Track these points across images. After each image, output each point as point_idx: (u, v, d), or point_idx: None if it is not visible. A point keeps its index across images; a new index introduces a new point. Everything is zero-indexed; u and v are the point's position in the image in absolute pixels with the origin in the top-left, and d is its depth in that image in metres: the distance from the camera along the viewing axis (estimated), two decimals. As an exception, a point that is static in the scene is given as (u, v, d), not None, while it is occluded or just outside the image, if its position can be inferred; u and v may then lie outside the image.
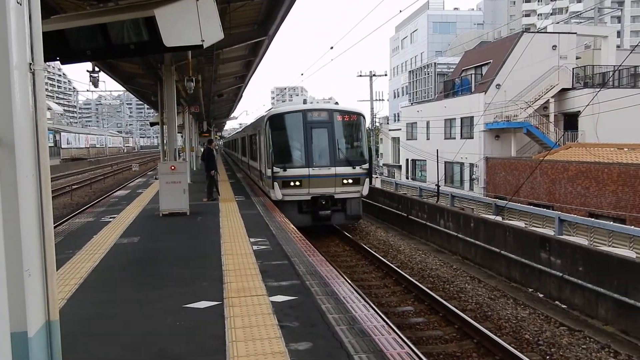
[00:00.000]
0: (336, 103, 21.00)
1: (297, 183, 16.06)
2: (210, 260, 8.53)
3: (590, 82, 35.08)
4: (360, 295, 6.72)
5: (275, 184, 15.88)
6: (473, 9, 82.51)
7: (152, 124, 30.09)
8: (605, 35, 38.36)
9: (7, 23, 2.16)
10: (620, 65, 31.65)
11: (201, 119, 37.44)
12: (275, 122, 16.62)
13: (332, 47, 24.32)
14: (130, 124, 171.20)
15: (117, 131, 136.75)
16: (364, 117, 17.44)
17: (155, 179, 23.48)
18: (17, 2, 2.23)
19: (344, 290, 6.82)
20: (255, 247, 9.45)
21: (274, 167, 15.87)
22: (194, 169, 31.61)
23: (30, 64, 2.35)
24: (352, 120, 16.87)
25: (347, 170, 16.27)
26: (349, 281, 7.92)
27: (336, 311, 5.98)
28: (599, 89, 21.73)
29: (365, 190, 16.73)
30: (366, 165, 16.65)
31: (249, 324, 5.60)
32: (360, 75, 41.62)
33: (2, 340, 2.12)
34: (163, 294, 6.83)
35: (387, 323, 5.75)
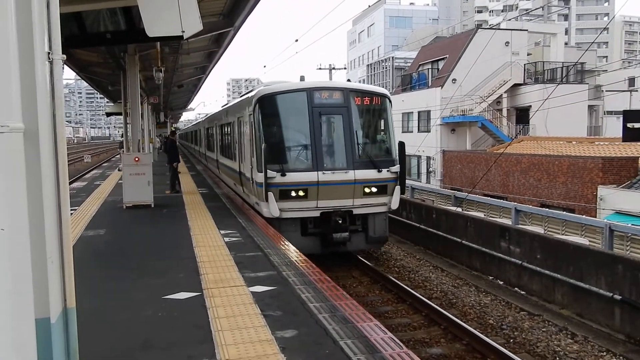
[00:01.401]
0: (348, 80, 16.45)
1: (301, 193, 11.34)
2: (183, 252, 8.49)
3: (541, 78, 36.44)
4: (335, 286, 6.85)
5: (270, 194, 11.11)
6: (428, 4, 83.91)
7: (108, 114, 29.34)
8: (554, 32, 39.84)
9: (32, 12, 2.16)
10: (576, 62, 32.98)
11: (158, 110, 36.73)
12: (269, 105, 11.85)
13: (297, 40, 24.31)
14: (80, 114, 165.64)
15: (67, 121, 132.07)
16: (390, 100, 12.57)
17: (119, 170, 22.94)
18: (39, -9, 2.22)
19: (324, 281, 6.95)
20: (226, 239, 9.45)
21: (268, 171, 11.05)
22: (152, 160, 31.05)
23: (49, 52, 2.36)
24: (376, 105, 12.28)
25: (371, 174, 11.69)
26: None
27: (316, 300, 6.11)
28: (555, 86, 22.64)
29: (395, 203, 12.10)
30: (396, 168, 12.00)
31: (232, 313, 5.66)
32: (320, 68, 41.70)
33: (27, 326, 2.14)
34: (139, 285, 6.79)
35: (366, 312, 5.91)
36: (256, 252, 8.55)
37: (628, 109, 40.93)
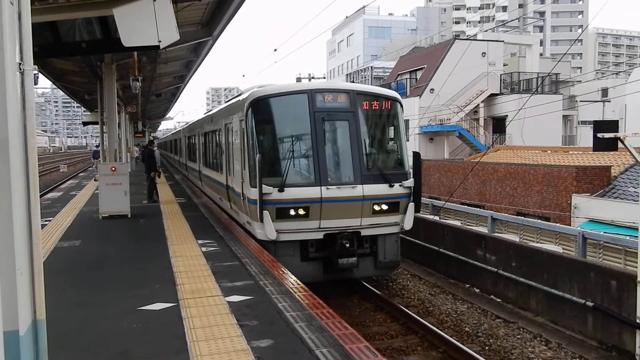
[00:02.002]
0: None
1: (302, 212, 9.92)
2: (160, 263, 8.43)
3: (516, 88, 37.12)
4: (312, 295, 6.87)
5: (265, 213, 9.70)
6: (407, 15, 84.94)
7: (85, 124, 29.01)
8: (529, 43, 40.66)
9: (2, 22, 2.17)
10: (549, 73, 33.62)
11: (136, 119, 36.43)
12: (264, 109, 10.48)
13: (275, 50, 24.42)
14: (56, 123, 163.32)
15: (42, 130, 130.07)
16: (401, 104, 11.17)
17: (95, 180, 22.65)
18: (10, 2, 2.23)
19: (300, 290, 6.96)
20: (204, 249, 9.41)
21: (263, 186, 9.64)
22: (129, 170, 30.76)
23: (20, 63, 2.36)
24: (386, 109, 10.94)
25: (381, 189, 10.31)
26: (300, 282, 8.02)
27: (293, 309, 6.12)
28: (529, 95, 23.07)
29: (408, 222, 10.73)
30: (409, 182, 10.62)
31: (208, 323, 5.64)
32: (299, 78, 41.79)
33: (-4, 340, 2.12)
34: (115, 296, 6.72)
35: (342, 321, 5.94)
36: (233, 261, 8.53)
37: (601, 119, 41.88)
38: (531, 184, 22.42)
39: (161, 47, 5.92)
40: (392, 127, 11.22)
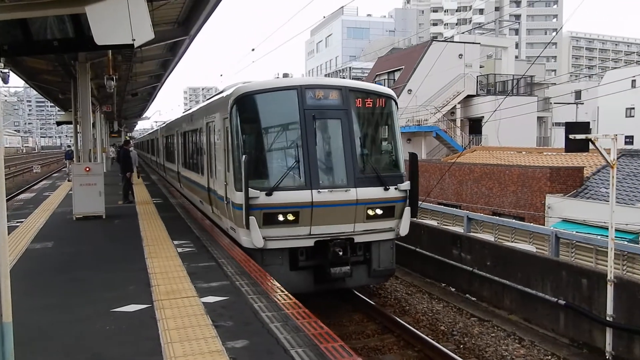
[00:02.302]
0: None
1: (291, 217, 9.28)
2: (135, 264, 8.34)
3: (492, 90, 37.63)
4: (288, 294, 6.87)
5: (252, 219, 9.00)
6: (385, 16, 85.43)
7: (59, 123, 28.51)
8: (505, 46, 41.24)
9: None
10: (523, 75, 34.14)
11: (112, 119, 35.93)
12: (250, 106, 9.79)
13: (253, 49, 24.33)
14: (29, 123, 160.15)
15: (15, 130, 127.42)
16: (396, 102, 10.59)
17: (68, 181, 22.29)
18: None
19: (274, 289, 6.96)
20: (180, 250, 9.33)
21: (249, 189, 8.93)
22: (105, 170, 30.33)
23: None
24: (380, 107, 10.27)
25: (376, 192, 9.69)
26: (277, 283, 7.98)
27: (269, 309, 6.11)
28: (504, 97, 23.39)
29: (404, 228, 10.16)
30: (405, 185, 10.01)
31: (182, 325, 5.60)
32: (278, 78, 41.69)
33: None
34: (88, 299, 6.62)
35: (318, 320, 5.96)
36: (210, 262, 8.47)
37: (574, 120, 42.66)
38: (506, 184, 22.75)
39: (135, 46, 5.83)
40: (387, 126, 10.57)
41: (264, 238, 9.10)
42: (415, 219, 11.14)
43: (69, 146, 41.80)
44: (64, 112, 28.90)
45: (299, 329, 5.47)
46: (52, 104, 32.69)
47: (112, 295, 6.68)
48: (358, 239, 9.79)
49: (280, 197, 9.15)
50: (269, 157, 9.68)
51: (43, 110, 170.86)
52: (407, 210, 10.10)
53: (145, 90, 27.33)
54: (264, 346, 5.01)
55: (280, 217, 9.24)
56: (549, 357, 8.54)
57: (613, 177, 8.23)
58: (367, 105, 10.13)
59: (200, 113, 13.97)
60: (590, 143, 7.85)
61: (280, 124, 9.90)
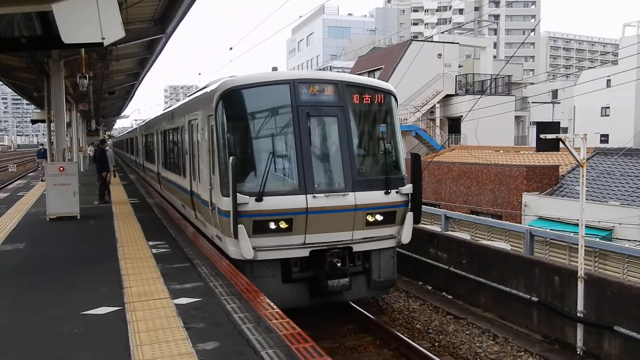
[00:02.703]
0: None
1: (284, 225, 8.49)
2: (108, 265, 8.23)
3: (471, 89, 37.98)
4: (262, 296, 6.84)
5: (241, 227, 8.23)
6: (366, 16, 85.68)
7: (33, 122, 28.05)
8: (483, 46, 41.65)
9: None
10: (497, 74, 34.48)
11: (89, 117, 35.44)
12: (237, 102, 8.99)
13: (231, 48, 24.19)
14: (5, 121, 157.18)
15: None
16: (396, 98, 9.95)
17: (42, 180, 21.93)
18: None
19: (250, 290, 6.93)
20: (154, 251, 9.24)
21: (238, 194, 8.14)
22: (82, 170, 29.93)
23: None
24: (379, 104, 9.61)
25: (376, 197, 8.98)
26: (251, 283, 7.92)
27: (241, 310, 6.08)
28: (479, 96, 23.63)
29: (406, 235, 9.41)
30: (407, 188, 9.28)
31: (153, 327, 5.55)
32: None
33: None
34: (58, 301, 6.52)
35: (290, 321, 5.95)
36: (184, 263, 8.40)
37: (551, 120, 43.32)
38: (484, 182, 23.00)
39: (105, 45, 5.76)
40: (386, 125, 9.71)
41: (254, 248, 8.30)
42: (418, 224, 10.23)
43: (41, 144, 41.06)
44: (39, 110, 28.43)
45: (271, 330, 5.46)
46: (29, 102, 32.18)
47: (83, 297, 6.59)
48: (357, 247, 9.02)
49: (272, 202, 8.36)
50: (258, 158, 8.70)
51: (19, 108, 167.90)
52: (410, 215, 9.34)
53: (123, 88, 27.01)
54: (234, 348, 4.99)
55: (272, 225, 8.43)
56: (522, 353, 8.65)
57: (583, 175, 8.36)
58: (365, 102, 9.35)
59: (181, 110, 13.07)
60: (560, 142, 7.97)
61: (271, 122, 9.04)
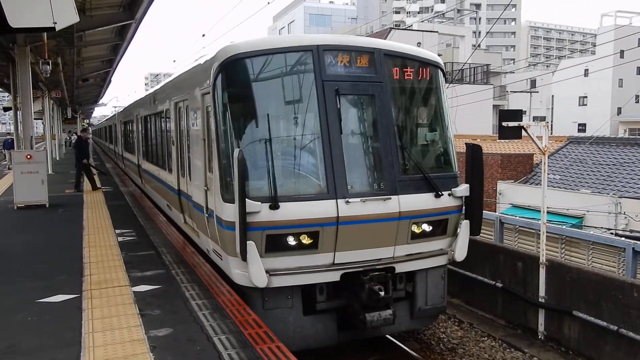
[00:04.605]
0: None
1: (307, 240, 6.43)
2: (70, 253, 8.17)
3: (450, 78, 38.16)
4: (222, 283, 6.83)
5: (250, 245, 6.06)
6: (347, 3, 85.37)
7: (5, 109, 27.55)
8: (462, 35, 41.79)
9: None
10: (465, 62, 34.63)
11: (65, 105, 34.88)
12: (244, 76, 6.76)
13: (204, 35, 23.85)
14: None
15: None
16: (444, 72, 7.78)
17: (9, 169, 21.59)
18: None
19: (210, 277, 6.92)
20: (120, 239, 9.19)
21: (245, 199, 6.01)
22: (57, 158, 29.52)
23: None
24: (424, 79, 7.50)
25: (425, 200, 6.96)
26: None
27: (200, 297, 6.09)
28: (455, 86, 23.73)
29: (461, 250, 7.40)
30: (462, 189, 7.24)
31: (108, 314, 5.53)
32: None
33: None
34: (14, 289, 6.47)
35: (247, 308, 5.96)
36: (149, 250, 8.37)
37: (529, 109, 43.74)
38: (460, 171, 23.15)
39: (56, 29, 5.65)
40: (434, 107, 7.70)
41: (267, 272, 6.17)
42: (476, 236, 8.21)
43: (8, 134, 40.35)
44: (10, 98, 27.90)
45: (226, 316, 5.48)
46: (2, 89, 31.57)
47: (40, 286, 6.53)
48: (400, 267, 6.98)
49: (291, 210, 6.25)
50: (272, 150, 6.46)
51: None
52: (465, 224, 7.29)
53: (98, 75, 26.64)
54: (187, 334, 4.99)
55: (292, 241, 6.36)
56: (485, 338, 8.79)
57: (544, 163, 8.48)
58: (406, 77, 7.24)
59: (166, 91, 10.82)
60: (523, 130, 8.05)
61: (289, 102, 6.86)
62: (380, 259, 6.78)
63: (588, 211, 16.48)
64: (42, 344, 4.82)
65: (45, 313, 5.61)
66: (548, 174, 21.28)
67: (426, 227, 7.06)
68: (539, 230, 11.99)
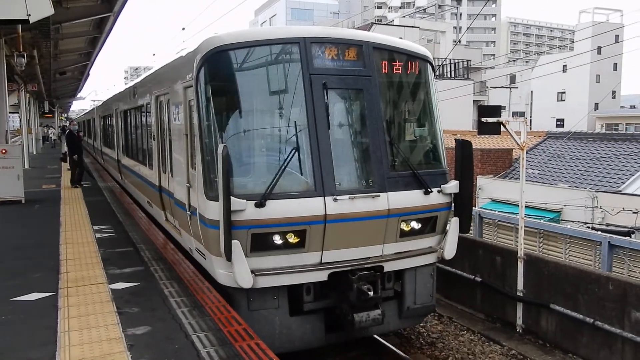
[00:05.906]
0: None
1: (294, 239, 6.33)
2: (47, 251, 8.04)
3: (431, 74, 38.34)
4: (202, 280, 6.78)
5: (235, 244, 5.92)
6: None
7: (-20, 103, 26.87)
8: (443, 30, 41.99)
9: None
10: (446, 57, 34.84)
11: (42, 99, 34.25)
12: (228, 68, 6.57)
13: (183, 29, 23.65)
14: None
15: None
16: (434, 67, 7.77)
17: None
18: None
19: (189, 274, 6.86)
20: (98, 235, 9.06)
21: (230, 197, 5.82)
22: (34, 152, 29.01)
23: None
24: (413, 74, 7.39)
25: (414, 197, 6.91)
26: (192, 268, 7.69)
27: (179, 295, 6.04)
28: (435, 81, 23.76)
29: (450, 248, 7.33)
30: (452, 186, 7.20)
31: (85, 312, 5.44)
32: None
33: None
34: (-12, 288, 6.33)
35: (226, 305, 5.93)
36: (127, 247, 8.28)
37: (508, 104, 44.18)
38: (449, 167, 23.33)
39: (31, 21, 5.53)
40: (423, 102, 7.60)
41: (252, 272, 6.05)
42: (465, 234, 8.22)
43: None
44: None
45: (205, 313, 5.44)
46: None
47: (15, 284, 6.42)
48: (388, 266, 6.91)
49: (278, 208, 6.11)
50: (257, 146, 6.54)
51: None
52: (455, 221, 7.27)
53: (76, 68, 26.21)
54: (165, 332, 4.95)
55: (278, 239, 6.24)
56: (464, 332, 8.88)
57: (523, 158, 8.56)
58: (395, 70, 7.15)
59: (146, 85, 10.59)
60: (501, 126, 8.12)
61: (275, 96, 6.73)
62: (369, 257, 6.73)
63: (565, 205, 16.73)
64: (16, 343, 4.73)
65: (20, 312, 5.51)
66: (527, 168, 21.61)
67: (415, 225, 7.01)
68: (518, 225, 12.20)
